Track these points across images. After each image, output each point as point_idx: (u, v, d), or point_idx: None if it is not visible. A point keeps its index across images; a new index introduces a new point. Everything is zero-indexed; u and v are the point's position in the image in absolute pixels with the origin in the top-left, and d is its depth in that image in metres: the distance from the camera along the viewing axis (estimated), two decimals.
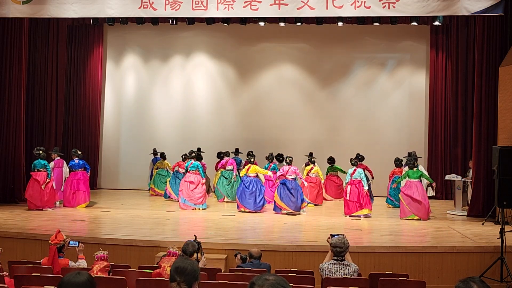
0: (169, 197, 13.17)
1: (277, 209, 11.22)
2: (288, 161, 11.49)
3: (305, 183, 11.96)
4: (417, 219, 10.43)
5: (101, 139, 15.87)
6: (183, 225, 10.10)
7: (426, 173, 11.49)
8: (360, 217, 10.80)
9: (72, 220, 9.99)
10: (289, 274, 5.72)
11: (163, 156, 14.44)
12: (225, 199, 13.04)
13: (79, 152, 11.99)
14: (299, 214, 11.10)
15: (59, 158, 12.23)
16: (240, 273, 5.69)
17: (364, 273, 6.44)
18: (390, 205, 12.54)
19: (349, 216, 10.88)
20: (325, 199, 13.44)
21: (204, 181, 12.04)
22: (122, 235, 8.43)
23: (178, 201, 12.07)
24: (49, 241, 5.98)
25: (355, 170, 11.16)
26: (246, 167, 11.87)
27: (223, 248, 7.83)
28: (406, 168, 11.11)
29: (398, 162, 12.60)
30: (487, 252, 7.86)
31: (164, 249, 6.85)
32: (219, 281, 5.25)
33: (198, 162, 12.03)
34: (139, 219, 10.48)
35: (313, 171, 12.97)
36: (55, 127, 14.39)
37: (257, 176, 11.80)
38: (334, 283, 5.17)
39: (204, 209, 11.65)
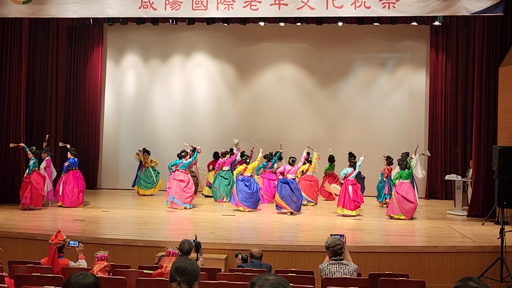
0: None
1: (278, 207, 11.22)
2: (290, 161, 11.48)
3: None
4: (403, 219, 10.43)
5: (101, 139, 15.85)
6: (183, 225, 10.10)
7: (415, 162, 11.42)
8: (351, 216, 10.75)
9: (72, 220, 10.00)
10: (289, 274, 5.73)
11: (147, 153, 14.45)
12: (224, 199, 12.86)
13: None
14: (300, 213, 11.09)
15: (48, 157, 12.24)
16: (240, 273, 5.69)
17: (364, 273, 6.45)
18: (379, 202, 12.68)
19: (342, 215, 10.88)
20: (326, 199, 13.41)
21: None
22: (122, 235, 8.44)
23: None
24: (49, 241, 5.99)
25: (353, 171, 11.14)
26: (242, 167, 11.84)
27: (223, 248, 7.84)
28: (397, 169, 11.12)
29: (389, 161, 12.64)
30: (487, 252, 7.87)
31: (164, 249, 6.85)
32: (219, 281, 5.26)
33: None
34: (139, 219, 10.49)
35: (310, 170, 12.98)
36: (55, 127, 14.38)
37: (251, 176, 11.80)
38: (334, 283, 5.17)
39: (190, 208, 11.62)
